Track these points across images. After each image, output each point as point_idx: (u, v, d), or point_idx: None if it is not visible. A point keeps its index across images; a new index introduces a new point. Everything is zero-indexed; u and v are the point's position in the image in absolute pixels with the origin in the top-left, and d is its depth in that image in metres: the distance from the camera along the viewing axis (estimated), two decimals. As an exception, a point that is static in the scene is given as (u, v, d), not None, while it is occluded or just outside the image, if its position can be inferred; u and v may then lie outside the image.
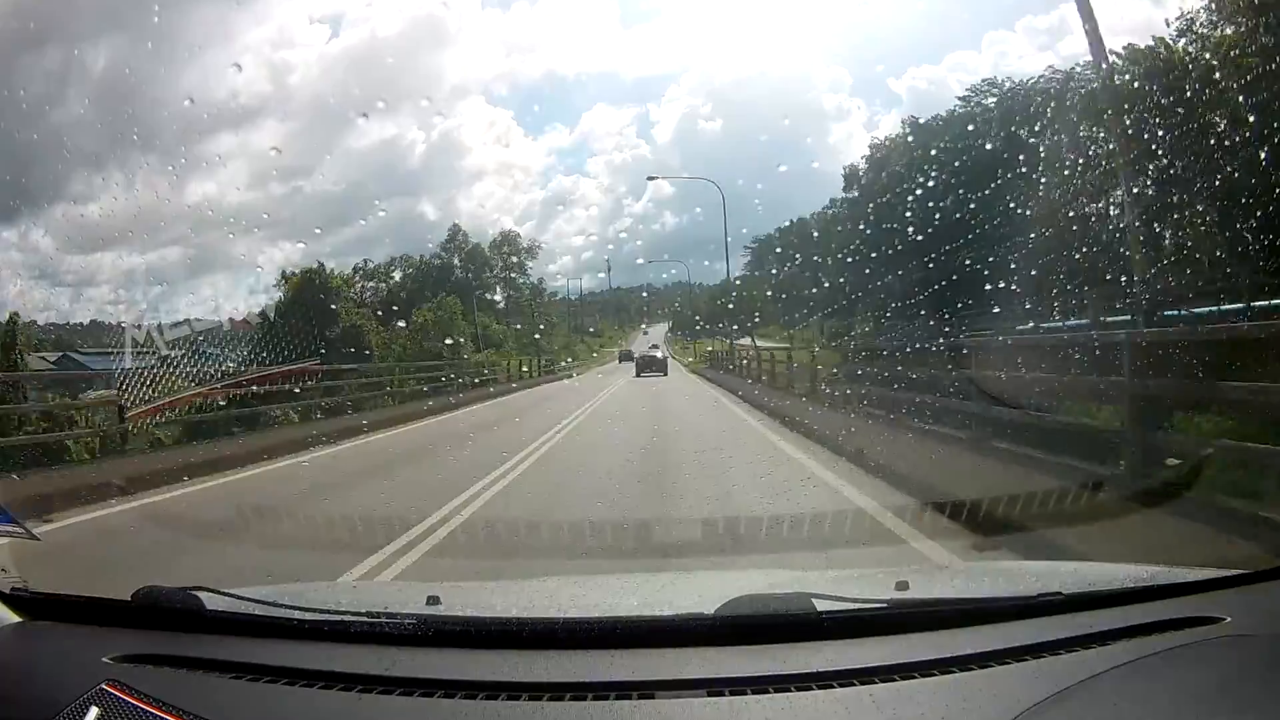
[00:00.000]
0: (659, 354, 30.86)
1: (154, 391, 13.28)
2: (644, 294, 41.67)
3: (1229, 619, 1.92)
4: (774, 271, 35.24)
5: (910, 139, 28.41)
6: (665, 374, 28.17)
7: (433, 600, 2.25)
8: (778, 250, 35.37)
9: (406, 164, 37.56)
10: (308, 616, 2.07)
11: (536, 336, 35.71)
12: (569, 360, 38.08)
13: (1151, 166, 18.87)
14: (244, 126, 36.62)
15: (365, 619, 2.00)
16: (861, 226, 27.23)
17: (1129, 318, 13.01)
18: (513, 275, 37.84)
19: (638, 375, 27.57)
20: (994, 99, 27.10)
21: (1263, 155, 16.25)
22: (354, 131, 36.82)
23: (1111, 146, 18.15)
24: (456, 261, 36.82)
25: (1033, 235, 19.96)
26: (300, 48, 37.87)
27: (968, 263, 18.18)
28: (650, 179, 44.41)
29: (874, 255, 23.37)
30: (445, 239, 37.22)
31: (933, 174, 23.36)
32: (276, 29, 38.81)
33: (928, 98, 39.03)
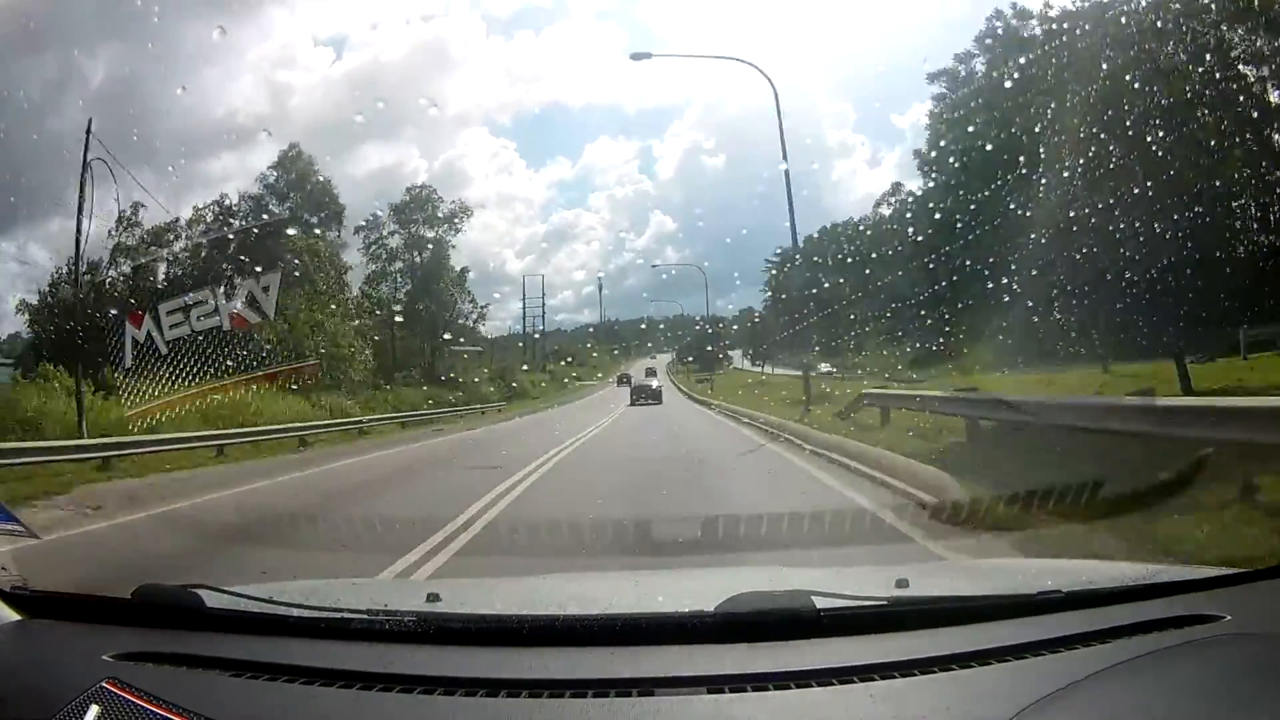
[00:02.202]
0: (654, 383, 31.61)
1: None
2: (642, 326, 41.24)
3: (1229, 617, 1.92)
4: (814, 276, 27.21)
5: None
6: (660, 402, 28.42)
7: (433, 597, 2.24)
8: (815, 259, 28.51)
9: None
10: (308, 614, 2.07)
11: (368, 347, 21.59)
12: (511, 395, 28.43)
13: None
14: (242, 148, 36.54)
15: (365, 616, 2.00)
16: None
17: None
18: (417, 255, 27.13)
19: (633, 403, 27.76)
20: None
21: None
22: (354, 156, 36.21)
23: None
24: (277, 209, 22.95)
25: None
26: (302, 70, 37.83)
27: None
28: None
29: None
30: (274, 162, 23.93)
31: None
32: (279, 48, 38.93)
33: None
